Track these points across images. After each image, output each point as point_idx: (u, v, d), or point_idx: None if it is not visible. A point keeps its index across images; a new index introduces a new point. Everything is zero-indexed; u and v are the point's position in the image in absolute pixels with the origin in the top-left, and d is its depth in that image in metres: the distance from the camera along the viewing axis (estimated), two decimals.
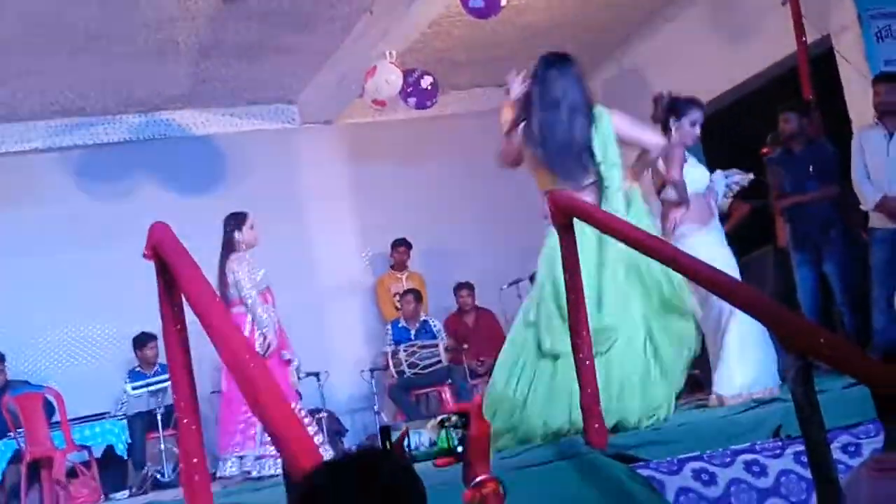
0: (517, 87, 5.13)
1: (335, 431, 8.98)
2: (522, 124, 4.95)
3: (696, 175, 5.69)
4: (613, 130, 4.93)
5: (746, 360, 5.38)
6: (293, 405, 6.65)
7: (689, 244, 5.10)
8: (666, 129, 5.60)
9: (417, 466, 1.86)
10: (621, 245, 4.25)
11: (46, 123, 9.47)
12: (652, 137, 5.19)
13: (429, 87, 8.80)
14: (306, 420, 6.84)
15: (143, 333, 8.63)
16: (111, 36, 7.94)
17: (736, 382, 5.36)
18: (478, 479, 1.99)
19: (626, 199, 4.92)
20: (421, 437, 1.99)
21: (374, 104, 8.71)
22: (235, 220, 6.88)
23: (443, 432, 2.00)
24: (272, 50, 8.76)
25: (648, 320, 4.79)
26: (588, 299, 4.20)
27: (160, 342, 8.24)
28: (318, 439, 6.74)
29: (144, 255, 3.48)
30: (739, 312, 4.82)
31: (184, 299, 3.25)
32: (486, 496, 1.97)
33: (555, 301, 4.69)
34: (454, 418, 2.00)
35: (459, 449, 1.99)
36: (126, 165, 9.70)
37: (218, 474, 6.34)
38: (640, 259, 4.58)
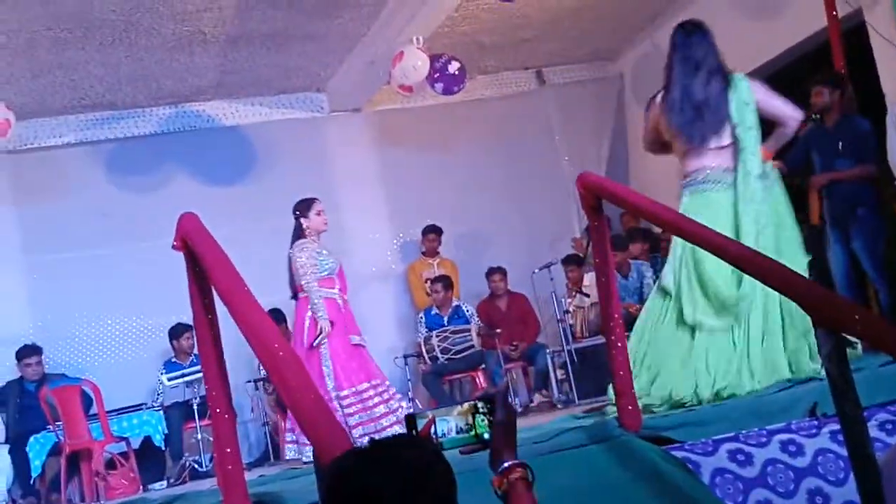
0: None
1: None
2: (660, 94, 5.06)
3: None
4: (753, 98, 5.00)
5: None
6: (377, 383, 6.71)
7: None
8: None
9: (445, 454, 1.86)
10: (758, 216, 4.63)
11: (77, 118, 9.53)
12: (789, 109, 5.19)
13: (456, 72, 8.77)
14: (397, 397, 6.84)
15: (179, 324, 8.67)
16: (139, 29, 7.97)
17: None
18: (505, 464, 1.98)
19: (764, 175, 4.96)
20: (448, 424, 1.98)
21: (400, 90, 8.69)
22: (301, 207, 6.91)
23: (475, 419, 1.99)
24: (299, 38, 8.76)
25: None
26: (723, 269, 4.46)
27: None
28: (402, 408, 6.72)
29: (174, 246, 3.50)
30: None
31: (213, 289, 3.26)
32: (513, 482, 1.96)
33: (694, 270, 4.83)
34: (480, 405, 1.99)
35: (486, 436, 1.98)
36: (157, 158, 9.74)
37: (304, 459, 6.40)
38: (778, 229, 4.78)
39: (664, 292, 4.98)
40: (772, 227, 4.84)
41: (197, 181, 9.72)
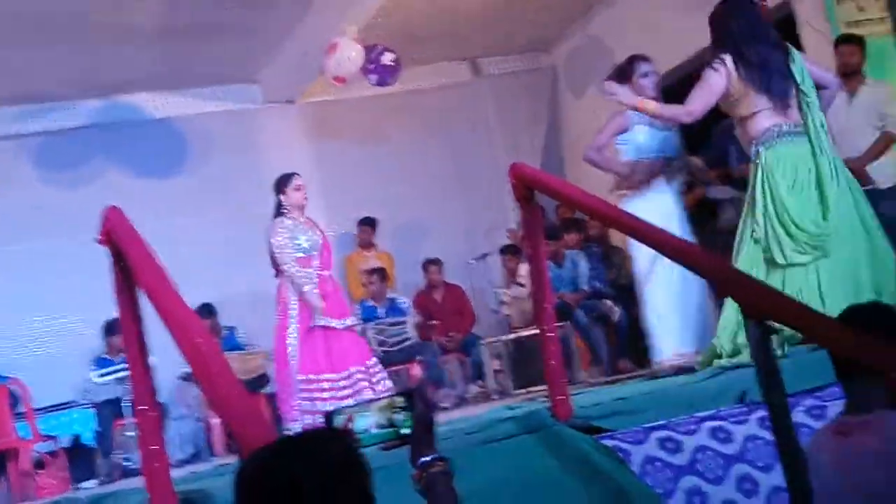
0: (624, 92, 5.68)
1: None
2: (728, 58, 5.22)
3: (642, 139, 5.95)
4: (803, 62, 5.37)
5: (664, 328, 5.66)
6: (367, 363, 6.62)
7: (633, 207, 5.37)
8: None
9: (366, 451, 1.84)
10: (834, 162, 5.11)
11: (3, 110, 9.32)
12: (830, 75, 5.66)
13: (390, 63, 8.73)
14: (379, 375, 6.68)
15: (116, 319, 8.51)
16: (68, 20, 7.82)
17: (661, 350, 5.67)
18: (425, 459, 1.98)
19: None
20: (367, 420, 1.97)
21: (335, 81, 8.64)
22: (279, 183, 6.76)
23: (394, 414, 1.98)
24: (231, 29, 8.66)
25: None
26: (810, 203, 4.98)
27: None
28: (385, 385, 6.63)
29: (98, 241, 3.44)
30: (652, 282, 5.51)
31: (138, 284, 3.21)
32: (433, 476, 1.96)
33: (776, 216, 5.06)
34: (399, 400, 1.98)
35: (405, 431, 1.97)
36: (87, 151, 9.59)
37: None
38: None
39: (755, 241, 5.18)
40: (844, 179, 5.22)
41: (128, 174, 9.59)
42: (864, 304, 3.04)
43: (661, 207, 5.70)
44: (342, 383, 6.42)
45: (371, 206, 10.03)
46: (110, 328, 8.60)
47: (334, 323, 6.59)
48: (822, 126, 5.23)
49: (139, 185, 9.38)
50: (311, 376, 6.42)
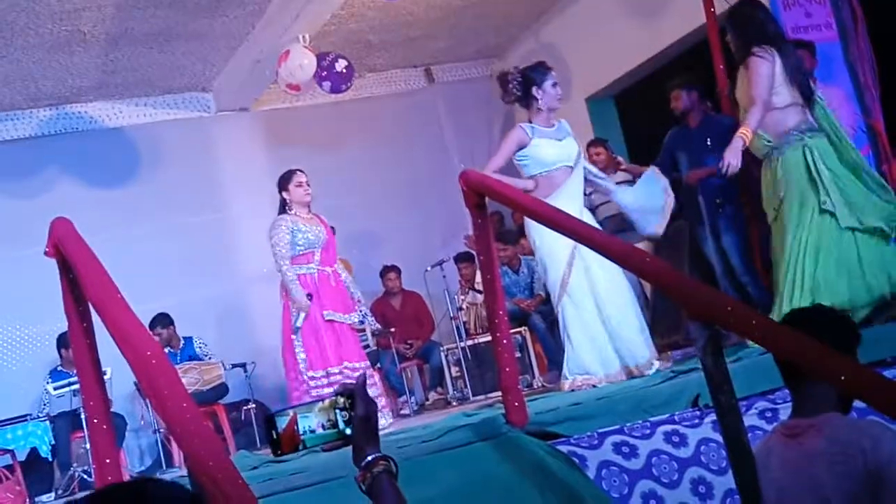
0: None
1: (266, 422, 8.88)
2: (773, 53, 5.54)
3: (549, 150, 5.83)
4: None
5: (572, 348, 5.55)
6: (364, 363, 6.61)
7: None
8: (529, 102, 5.90)
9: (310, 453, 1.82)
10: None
11: None
12: None
13: (343, 71, 8.71)
14: (371, 380, 6.63)
15: (66, 333, 8.43)
16: (15, 28, 7.72)
17: (569, 370, 5.55)
18: (368, 458, 1.96)
19: None
20: (310, 420, 1.96)
21: (288, 89, 8.60)
22: (282, 181, 6.78)
23: (337, 414, 1.97)
24: (182, 37, 8.60)
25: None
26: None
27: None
28: (375, 392, 6.55)
29: (46, 253, 3.41)
30: (563, 301, 5.48)
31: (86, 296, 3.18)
32: (377, 475, 1.95)
33: (836, 187, 5.40)
34: (341, 400, 1.98)
35: (348, 431, 1.97)
36: (38, 161, 9.46)
37: None
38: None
39: (828, 213, 5.40)
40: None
41: (81, 184, 9.48)
42: (808, 307, 3.07)
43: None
44: (337, 378, 6.39)
45: (327, 214, 9.94)
46: (64, 341, 8.51)
47: (338, 317, 6.61)
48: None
49: (92, 195, 9.28)
50: (319, 370, 6.40)
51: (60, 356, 8.62)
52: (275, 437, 1.96)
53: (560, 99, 5.99)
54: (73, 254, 3.19)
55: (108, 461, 3.32)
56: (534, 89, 5.84)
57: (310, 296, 6.47)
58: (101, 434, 3.37)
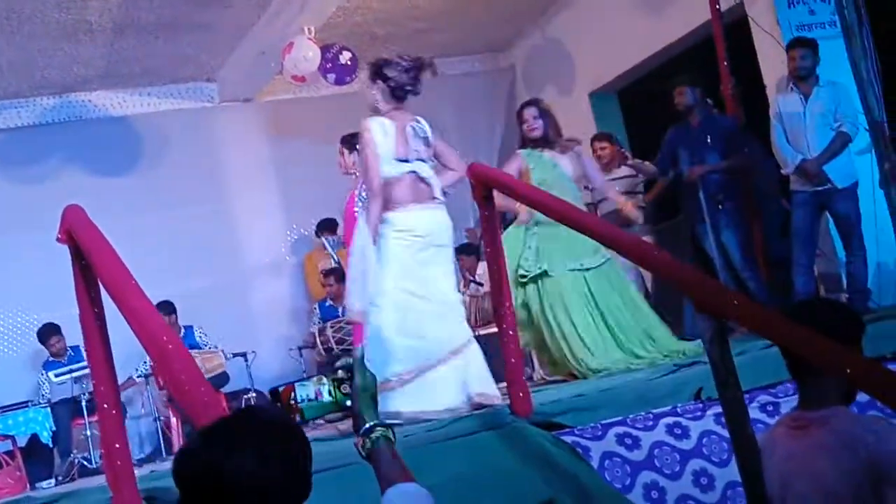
0: None
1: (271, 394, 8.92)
2: None
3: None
4: None
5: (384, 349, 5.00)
6: None
7: None
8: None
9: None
10: None
11: None
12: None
13: (348, 63, 8.72)
14: None
15: (45, 326, 8.50)
16: (21, 17, 7.74)
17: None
18: (367, 425, 2.08)
19: None
20: (307, 389, 2.07)
21: (293, 80, 8.63)
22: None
23: (336, 387, 2.09)
24: (188, 27, 8.61)
25: None
26: None
27: (66, 328, 8.13)
28: None
29: (58, 239, 3.43)
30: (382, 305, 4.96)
31: (99, 282, 3.21)
32: (375, 441, 2.06)
33: None
34: (340, 373, 2.09)
35: (348, 403, 2.08)
36: (42, 149, 9.48)
37: None
38: None
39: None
40: None
41: (84, 173, 9.49)
42: (813, 300, 3.11)
43: None
44: None
45: (329, 206, 10.01)
46: (43, 335, 8.55)
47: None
48: None
49: (95, 183, 9.28)
50: None
51: (47, 350, 8.62)
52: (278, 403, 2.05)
53: None
54: (86, 240, 3.22)
55: (117, 446, 3.36)
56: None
57: None
58: (111, 419, 3.40)
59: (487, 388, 4.88)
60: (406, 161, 5.11)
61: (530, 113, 6.41)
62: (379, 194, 4.99)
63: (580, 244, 5.81)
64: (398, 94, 5.31)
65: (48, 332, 8.48)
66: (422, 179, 5.10)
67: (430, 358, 4.80)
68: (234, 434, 1.74)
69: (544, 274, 5.92)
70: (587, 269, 5.94)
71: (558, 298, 5.86)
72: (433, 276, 4.97)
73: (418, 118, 5.31)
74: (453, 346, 4.87)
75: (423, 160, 5.17)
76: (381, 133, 5.14)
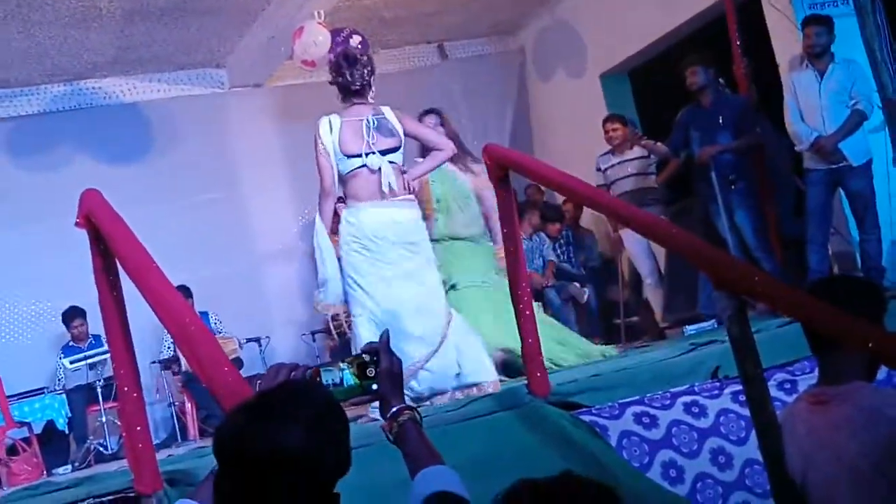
0: None
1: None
2: None
3: None
4: None
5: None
6: None
7: None
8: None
9: None
10: None
11: None
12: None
13: (358, 47, 8.70)
14: None
15: (70, 309, 8.50)
16: (32, 4, 7.74)
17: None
18: (394, 409, 2.08)
19: None
20: (332, 375, 2.07)
21: (303, 65, 8.61)
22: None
23: (362, 371, 2.08)
24: (197, 12, 8.60)
25: None
26: None
27: (91, 316, 8.15)
28: None
29: (77, 224, 3.44)
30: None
31: (119, 266, 3.22)
32: (403, 423, 2.07)
33: None
34: (366, 357, 2.09)
35: (374, 387, 2.08)
36: (52, 136, 9.49)
37: None
38: None
39: None
40: None
41: (94, 160, 9.49)
42: (833, 276, 3.10)
43: None
44: None
45: (340, 190, 10.02)
46: (66, 317, 8.57)
47: None
48: None
49: (106, 171, 9.27)
50: None
51: (69, 332, 8.67)
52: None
53: None
54: (106, 224, 3.23)
55: (138, 429, 3.37)
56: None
57: None
58: (132, 402, 3.41)
59: (481, 377, 4.96)
60: (357, 156, 5.09)
61: (430, 121, 6.34)
62: (330, 192, 5.19)
63: (481, 261, 6.03)
64: (345, 93, 5.42)
65: (73, 315, 8.51)
66: (374, 173, 5.13)
67: (415, 364, 4.86)
68: (284, 407, 1.74)
69: (452, 287, 5.92)
70: (489, 286, 5.99)
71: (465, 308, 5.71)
72: (406, 271, 5.03)
73: (382, 109, 5.30)
74: (433, 343, 4.95)
75: (384, 152, 5.15)
76: (326, 130, 5.28)
